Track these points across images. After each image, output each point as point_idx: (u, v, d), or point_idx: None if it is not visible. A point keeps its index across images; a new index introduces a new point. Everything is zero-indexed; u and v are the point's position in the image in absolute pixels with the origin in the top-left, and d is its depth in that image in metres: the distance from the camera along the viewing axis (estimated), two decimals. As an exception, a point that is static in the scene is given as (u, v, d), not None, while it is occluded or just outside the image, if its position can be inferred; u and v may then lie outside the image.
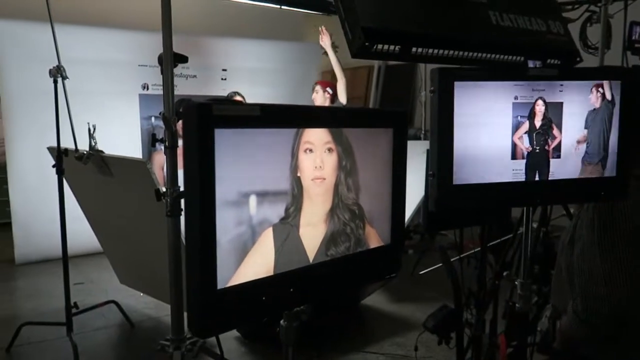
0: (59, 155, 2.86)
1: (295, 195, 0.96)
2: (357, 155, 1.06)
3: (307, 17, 6.72)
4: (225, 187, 0.83)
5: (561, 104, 1.17)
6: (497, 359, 1.68)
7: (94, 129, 2.72)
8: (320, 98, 4.52)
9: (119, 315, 3.47)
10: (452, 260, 2.25)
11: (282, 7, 5.50)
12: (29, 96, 4.41)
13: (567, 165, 1.20)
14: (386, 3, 1.36)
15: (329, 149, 1.02)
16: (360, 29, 1.22)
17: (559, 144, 1.19)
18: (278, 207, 0.93)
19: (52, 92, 2.83)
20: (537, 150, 1.18)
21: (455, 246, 2.31)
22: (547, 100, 1.16)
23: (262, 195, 0.89)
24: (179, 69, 2.14)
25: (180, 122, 1.85)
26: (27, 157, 4.51)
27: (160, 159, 5.08)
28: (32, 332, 3.15)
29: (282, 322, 1.12)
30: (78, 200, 3.34)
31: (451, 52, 1.43)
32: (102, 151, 2.75)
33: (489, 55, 1.54)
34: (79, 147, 2.72)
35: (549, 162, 1.18)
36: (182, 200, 1.83)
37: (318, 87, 4.56)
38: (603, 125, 1.19)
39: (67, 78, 2.85)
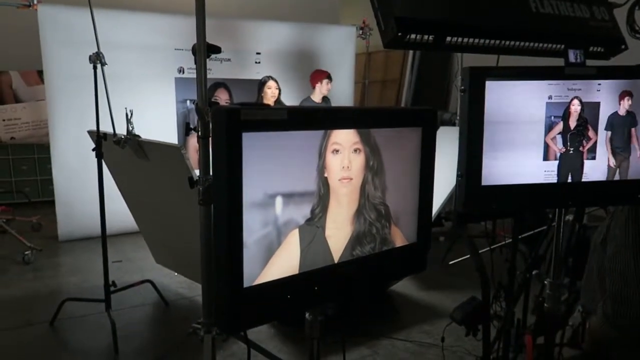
0: (99, 139, 2.97)
1: (322, 196, 0.98)
2: (385, 154, 1.06)
3: (342, 0, 6.64)
4: (251, 189, 0.85)
5: (598, 103, 1.13)
6: (524, 356, 1.67)
7: (132, 114, 2.79)
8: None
9: (154, 293, 3.60)
10: (483, 250, 2.22)
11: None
12: (70, 80, 4.56)
13: (602, 167, 1.16)
14: None
15: (357, 150, 1.02)
16: (393, 20, 1.21)
17: (594, 145, 1.15)
18: (304, 208, 0.95)
19: (91, 76, 2.92)
20: (571, 152, 1.14)
21: (486, 235, 2.27)
22: (584, 100, 1.12)
23: (289, 197, 0.91)
24: (213, 53, 2.16)
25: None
26: (68, 139, 4.68)
27: (195, 143, 5.18)
28: (73, 307, 3.31)
29: (307, 315, 1.14)
30: (116, 182, 3.46)
31: (487, 41, 1.40)
32: (139, 136, 2.82)
33: (527, 44, 1.48)
34: (117, 132, 2.81)
35: (583, 163, 1.15)
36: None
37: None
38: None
39: (106, 64, 2.94)
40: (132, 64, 4.77)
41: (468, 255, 4.05)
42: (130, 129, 2.84)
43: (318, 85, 4.89)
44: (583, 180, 1.16)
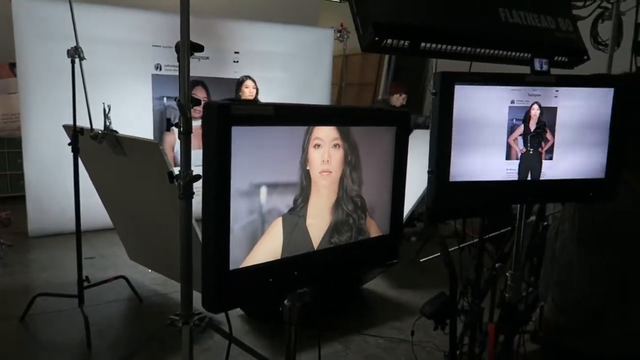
0: (75, 133, 2.95)
1: (304, 187, 1.05)
2: (362, 151, 1.15)
3: (321, 2, 6.71)
4: (239, 178, 0.92)
5: (555, 108, 1.24)
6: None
7: (109, 109, 2.80)
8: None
9: (128, 290, 3.60)
10: (452, 249, 2.33)
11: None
12: (45, 73, 4.50)
13: (559, 166, 1.27)
14: None
15: (336, 145, 1.10)
16: (371, 24, 1.28)
17: (552, 146, 1.26)
18: (287, 198, 1.02)
19: (68, 70, 2.91)
20: (531, 152, 1.25)
21: (456, 234, 2.38)
22: (543, 105, 1.23)
23: (273, 187, 0.98)
24: (192, 51, 2.19)
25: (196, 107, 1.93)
26: (41, 134, 4.61)
27: (170, 140, 5.17)
28: (45, 303, 3.28)
29: (285, 302, 1.21)
30: (91, 178, 3.44)
31: (459, 47, 1.49)
32: (116, 131, 2.83)
33: (496, 52, 1.59)
34: (94, 127, 2.81)
35: (541, 163, 1.26)
36: (194, 183, 1.91)
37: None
38: (593, 130, 1.26)
39: (85, 59, 2.93)
40: (109, 59, 4.74)
41: (438, 254, 4.19)
42: (108, 124, 2.85)
43: (396, 96, 5.36)
44: (541, 178, 1.27)
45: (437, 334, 2.81)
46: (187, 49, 1.84)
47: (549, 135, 1.25)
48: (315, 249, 1.09)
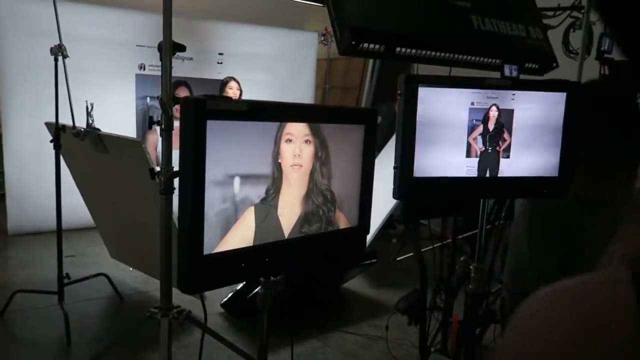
0: (57, 131, 2.97)
1: (276, 179, 1.13)
2: (331, 147, 1.22)
3: (306, 6, 6.78)
4: (214, 169, 0.99)
5: (512, 110, 1.33)
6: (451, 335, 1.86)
7: (92, 107, 2.83)
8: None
9: (109, 287, 3.61)
10: (427, 249, 2.42)
11: (282, -3, 5.56)
12: (27, 70, 4.49)
13: (514, 164, 1.37)
14: (373, 5, 1.48)
15: (307, 140, 1.18)
16: (348, 29, 1.35)
17: (509, 145, 1.36)
18: (259, 189, 1.09)
19: (50, 67, 2.93)
20: (489, 151, 1.34)
21: (431, 236, 2.48)
22: (501, 107, 1.33)
23: (246, 178, 1.06)
24: (176, 51, 2.23)
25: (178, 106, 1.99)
26: (22, 131, 4.59)
27: (153, 139, 5.18)
28: (24, 300, 3.28)
29: (259, 289, 1.28)
30: (73, 175, 3.45)
31: (432, 52, 1.57)
32: (99, 129, 2.86)
33: (468, 57, 1.67)
34: (77, 125, 2.83)
35: (499, 161, 1.35)
36: (175, 180, 1.97)
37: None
38: (547, 131, 1.35)
39: (68, 57, 2.96)
40: (92, 58, 4.75)
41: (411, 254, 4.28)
42: (90, 122, 2.87)
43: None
44: (499, 175, 1.36)
45: (413, 332, 2.89)
46: (169, 48, 1.90)
47: (506, 135, 1.34)
48: (287, 237, 1.16)
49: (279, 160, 1.13)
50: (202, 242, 0.99)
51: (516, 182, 1.36)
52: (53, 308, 3.15)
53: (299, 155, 1.16)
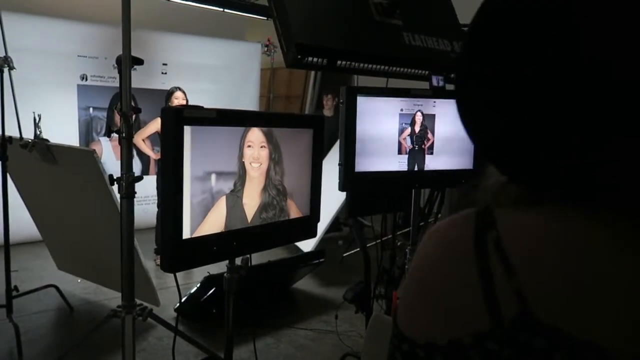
0: (4, 142, 2.95)
1: (241, 175, 1.34)
2: (284, 149, 1.44)
3: (246, 18, 6.93)
4: (195, 167, 1.19)
5: (434, 115, 1.61)
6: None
7: (39, 118, 2.85)
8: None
9: (57, 299, 3.55)
10: (371, 244, 2.66)
11: (225, 10, 5.70)
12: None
13: (438, 160, 1.65)
14: (316, 22, 1.67)
15: (263, 146, 1.39)
16: (294, 45, 1.53)
17: (432, 144, 1.64)
18: (229, 183, 1.31)
19: (-6, 80, 2.90)
20: (416, 149, 1.61)
21: (375, 237, 2.71)
22: (425, 113, 1.60)
23: (219, 174, 1.26)
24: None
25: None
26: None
27: (98, 149, 5.15)
28: (-30, 314, 3.20)
29: (225, 274, 1.47)
30: (18, 188, 3.39)
31: (369, 65, 1.79)
32: (47, 140, 2.88)
33: (401, 69, 1.88)
34: (23, 136, 2.83)
35: (424, 157, 1.63)
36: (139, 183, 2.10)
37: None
38: (463, 133, 1.64)
39: (15, 68, 2.96)
40: (34, 69, 4.66)
41: (358, 249, 4.54)
42: (39, 133, 2.89)
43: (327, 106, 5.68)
44: (425, 169, 1.64)
45: (360, 324, 3.11)
46: (129, 61, 2.03)
47: (430, 136, 1.61)
48: (249, 223, 1.37)
49: (243, 160, 1.34)
50: (181, 229, 1.18)
51: (439, 174, 1.64)
52: (2, 322, 3.10)
53: (258, 158, 1.37)
